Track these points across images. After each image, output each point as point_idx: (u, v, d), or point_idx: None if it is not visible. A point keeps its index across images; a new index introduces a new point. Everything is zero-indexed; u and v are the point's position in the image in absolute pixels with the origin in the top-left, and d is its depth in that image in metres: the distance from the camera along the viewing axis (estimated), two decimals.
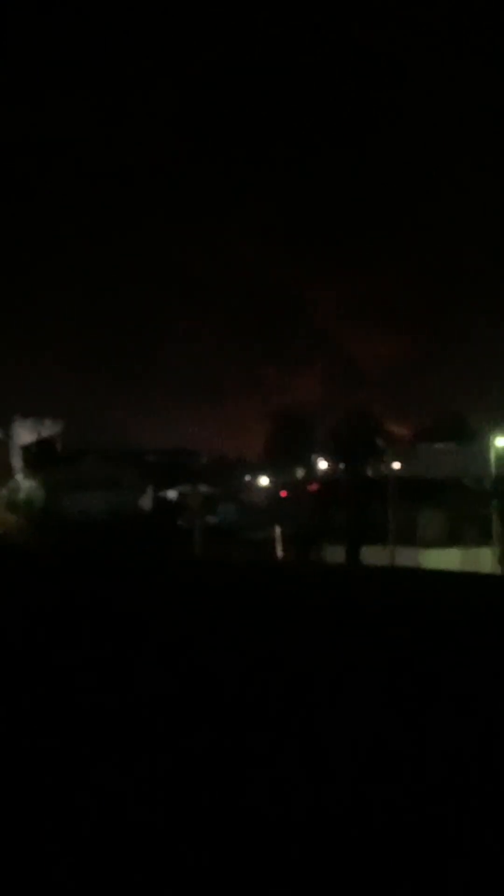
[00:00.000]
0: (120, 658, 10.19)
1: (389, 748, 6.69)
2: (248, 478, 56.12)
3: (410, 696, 8.70)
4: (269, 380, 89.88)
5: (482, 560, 41.94)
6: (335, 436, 52.61)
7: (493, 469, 45.75)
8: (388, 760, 6.33)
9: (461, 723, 7.66)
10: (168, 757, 6.10)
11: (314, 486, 51.87)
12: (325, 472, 53.81)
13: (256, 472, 56.25)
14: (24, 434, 52.11)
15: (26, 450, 51.46)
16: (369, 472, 48.14)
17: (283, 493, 52.84)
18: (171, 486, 52.39)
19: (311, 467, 55.96)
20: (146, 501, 49.82)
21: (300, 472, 55.70)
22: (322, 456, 55.38)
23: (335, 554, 41.15)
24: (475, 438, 49.82)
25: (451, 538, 44.56)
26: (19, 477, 50.37)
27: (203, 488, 49.93)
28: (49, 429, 53.10)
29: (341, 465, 50.72)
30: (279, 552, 45.83)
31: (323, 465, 54.82)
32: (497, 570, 40.10)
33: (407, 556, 40.73)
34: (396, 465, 49.83)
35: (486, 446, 47.18)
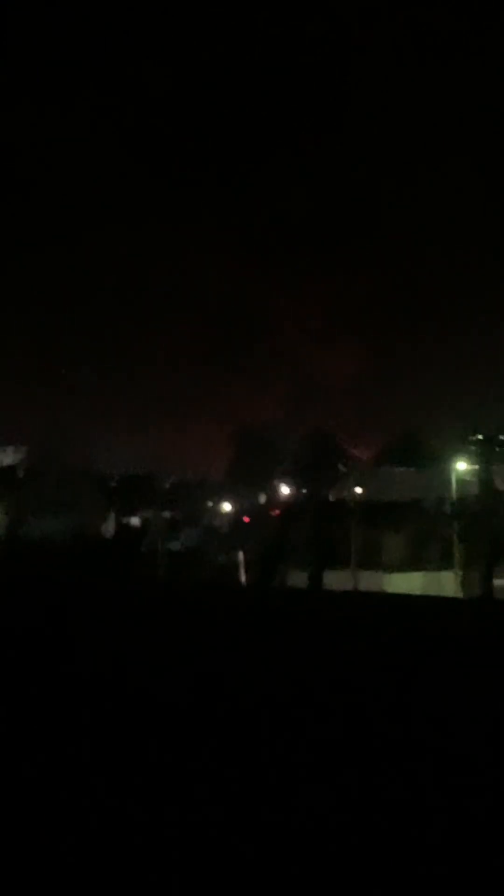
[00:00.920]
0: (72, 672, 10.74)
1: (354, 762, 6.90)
2: (210, 503, 56.01)
3: (375, 713, 9.16)
4: (231, 400, 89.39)
5: (444, 583, 42.18)
6: (297, 460, 52.76)
7: (453, 492, 45.61)
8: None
9: (426, 744, 7.93)
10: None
11: (276, 512, 51.76)
12: (287, 497, 53.70)
13: (219, 495, 56.19)
14: None
15: None
16: (331, 497, 48.15)
17: (246, 519, 52.69)
18: (132, 511, 52.26)
19: (274, 491, 55.87)
20: (107, 527, 49.74)
21: (262, 497, 55.61)
22: (284, 481, 55.36)
23: (298, 579, 40.83)
24: (436, 462, 50.09)
25: (413, 561, 44.58)
26: None
27: (165, 514, 50.09)
28: (11, 456, 52.97)
29: (303, 490, 50.73)
30: (242, 577, 45.52)
31: (285, 490, 54.77)
32: (459, 593, 39.98)
33: (370, 580, 40.69)
34: (358, 490, 49.93)
35: (447, 470, 47.04)
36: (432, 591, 38.82)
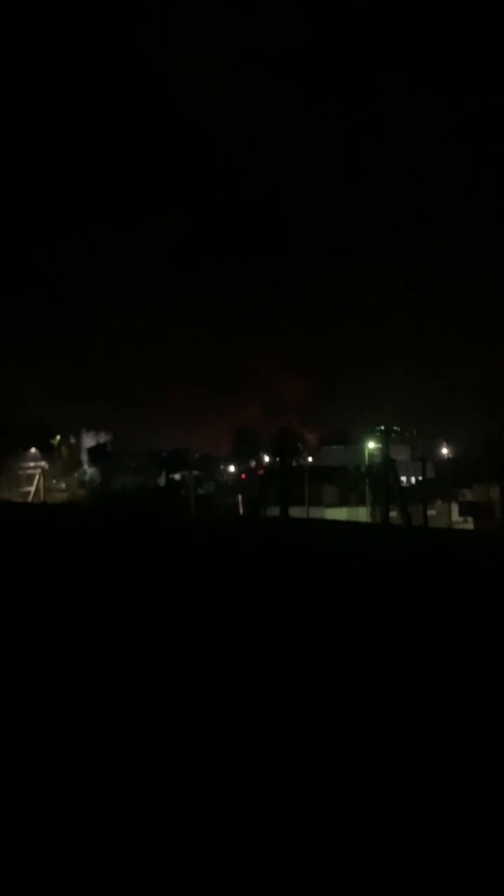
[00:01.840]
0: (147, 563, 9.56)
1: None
2: (221, 466, 56.65)
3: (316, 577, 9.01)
4: (234, 409, 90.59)
5: (360, 514, 42.44)
6: (273, 442, 53.54)
7: (366, 461, 45.94)
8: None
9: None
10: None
11: (261, 472, 51.97)
12: (267, 463, 54.33)
13: (227, 463, 56.77)
14: (88, 441, 52.40)
15: (90, 450, 51.68)
16: (294, 463, 48.81)
17: (243, 476, 53.16)
18: (175, 471, 52.70)
19: (259, 460, 56.35)
20: (161, 481, 50.25)
21: (252, 463, 56.21)
22: (265, 453, 55.94)
23: (274, 511, 40.34)
24: (355, 443, 50.81)
25: (341, 501, 45.42)
26: (85, 467, 50.44)
27: (195, 473, 50.71)
28: (103, 437, 53.40)
29: (277, 459, 51.61)
30: (241, 511, 46.12)
31: (266, 459, 55.34)
32: (368, 519, 40.37)
33: (316, 512, 40.79)
34: (310, 459, 50.69)
35: (362, 447, 47.53)
36: (352, 518, 39.38)
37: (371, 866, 2.31)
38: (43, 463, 44.87)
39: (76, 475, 48.30)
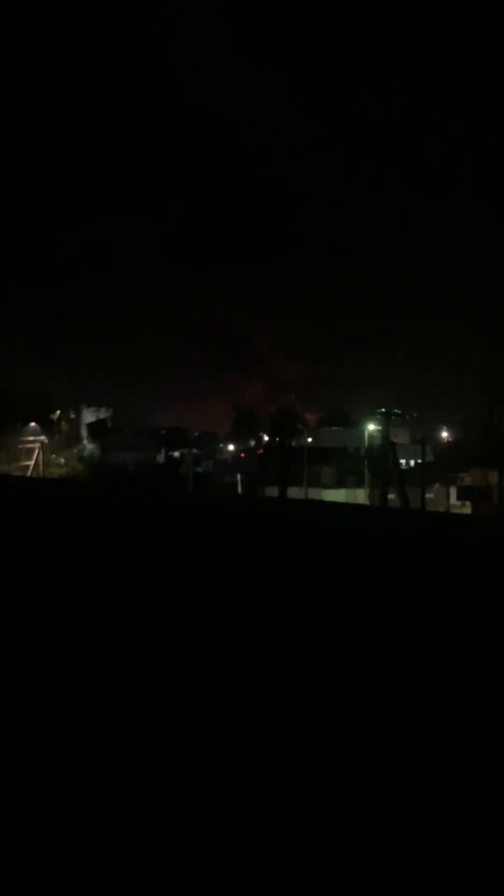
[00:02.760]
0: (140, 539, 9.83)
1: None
2: (221, 445, 56.71)
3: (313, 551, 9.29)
4: (234, 388, 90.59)
5: (358, 496, 42.52)
6: (272, 421, 53.43)
7: (365, 443, 45.94)
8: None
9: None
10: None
11: (260, 451, 51.72)
12: (266, 443, 54.39)
13: (226, 441, 56.85)
14: (88, 416, 52.45)
15: (89, 426, 51.74)
16: (293, 444, 48.75)
17: (242, 455, 53.14)
18: (174, 448, 52.74)
19: (258, 440, 56.30)
20: (160, 458, 50.33)
21: (252, 442, 56.22)
22: (264, 433, 55.93)
23: (272, 491, 40.51)
24: (355, 424, 50.78)
25: (340, 483, 45.47)
26: (85, 442, 50.48)
27: (194, 451, 50.63)
28: (103, 413, 53.48)
29: (276, 439, 51.61)
30: (239, 489, 46.11)
31: (265, 438, 55.30)
32: (366, 501, 40.53)
33: (314, 493, 40.67)
34: (309, 440, 50.41)
35: (361, 429, 47.46)
36: (350, 500, 39.90)
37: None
38: (42, 437, 44.99)
39: (75, 450, 48.27)
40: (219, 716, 3.30)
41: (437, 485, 44.08)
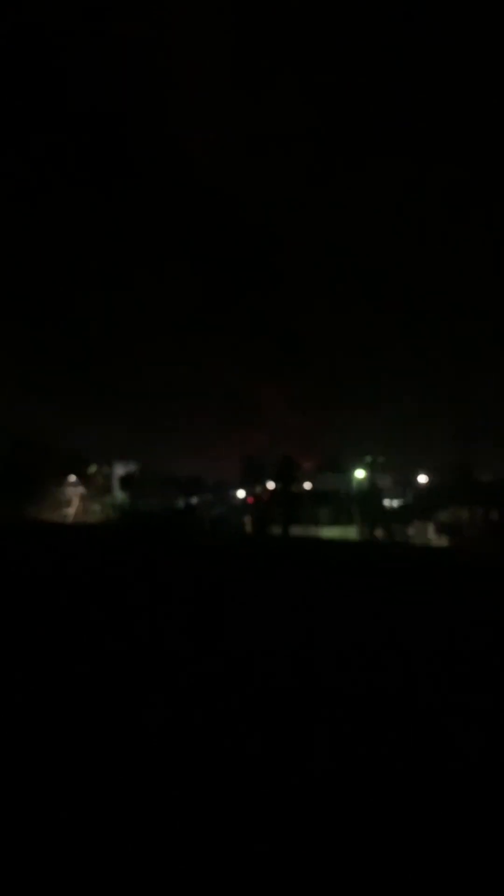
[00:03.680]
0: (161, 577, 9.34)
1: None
2: (231, 491, 56.72)
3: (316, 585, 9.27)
4: (241, 440, 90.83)
5: (350, 533, 42.87)
6: (276, 470, 53.52)
7: (354, 487, 46.70)
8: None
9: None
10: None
11: (266, 496, 52.75)
12: (271, 489, 54.44)
13: (236, 488, 56.85)
14: (119, 469, 52.63)
15: (120, 478, 51.97)
16: (293, 489, 48.83)
17: (250, 500, 53.55)
18: (191, 495, 52.89)
19: (264, 486, 56.30)
20: (180, 503, 50.48)
21: (258, 488, 56.37)
22: (269, 480, 55.98)
23: (276, 530, 40.75)
24: (346, 470, 50.93)
25: (334, 521, 45.73)
26: (116, 492, 50.71)
27: (209, 497, 51.72)
28: (131, 467, 53.59)
29: (279, 485, 51.68)
30: (248, 529, 46.59)
31: (270, 485, 55.30)
32: (357, 537, 40.00)
33: (313, 531, 40.83)
34: (307, 485, 50.98)
35: (351, 475, 48.61)
36: (343, 536, 40.65)
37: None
38: (81, 488, 45.57)
39: (108, 499, 48.65)
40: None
41: (417, 522, 44.13)
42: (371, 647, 4.72)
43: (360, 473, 46.92)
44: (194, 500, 52.16)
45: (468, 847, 2.17)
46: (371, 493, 39.95)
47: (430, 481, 52.58)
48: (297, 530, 40.55)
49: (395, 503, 48.20)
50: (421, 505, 46.40)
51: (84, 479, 47.83)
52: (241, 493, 55.57)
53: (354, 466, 48.48)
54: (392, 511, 44.49)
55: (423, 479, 53.15)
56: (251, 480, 58.25)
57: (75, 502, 43.86)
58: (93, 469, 49.96)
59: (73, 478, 46.53)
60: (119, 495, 49.80)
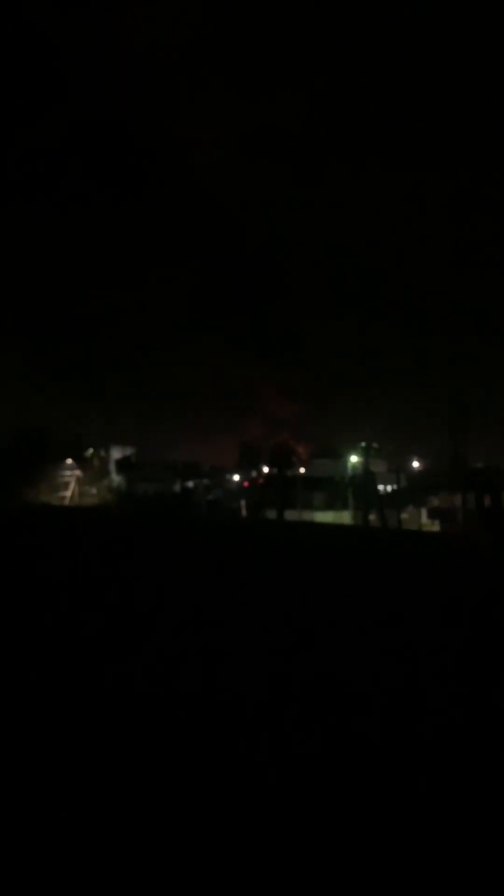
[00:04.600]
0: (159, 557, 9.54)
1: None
2: (227, 476, 56.80)
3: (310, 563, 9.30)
4: (238, 427, 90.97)
5: (344, 517, 42.33)
6: (271, 455, 53.44)
7: (349, 472, 46.46)
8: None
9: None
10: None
11: (261, 480, 51.93)
12: (267, 473, 54.40)
13: (232, 473, 56.91)
14: (116, 453, 52.42)
15: (117, 462, 51.83)
16: (288, 474, 48.84)
17: (246, 484, 53.03)
18: (188, 479, 52.93)
19: (259, 471, 56.36)
20: (177, 487, 50.48)
21: (254, 473, 56.40)
22: (265, 465, 56.07)
23: (271, 514, 39.99)
24: (341, 456, 50.98)
25: (328, 506, 45.75)
26: (113, 475, 50.65)
27: (205, 481, 51.55)
28: (128, 451, 53.42)
29: (274, 470, 51.65)
30: (244, 514, 46.07)
31: (265, 469, 55.37)
32: (351, 522, 39.43)
33: (307, 516, 40.17)
34: (302, 470, 50.02)
35: (346, 460, 48.22)
36: (337, 520, 39.69)
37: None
38: (77, 471, 45.50)
39: (105, 482, 48.62)
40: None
41: (410, 507, 44.43)
42: (371, 637, 4.67)
43: (353, 459, 46.33)
44: (191, 484, 51.56)
45: (468, 847, 2.11)
46: (365, 478, 40.15)
47: (423, 467, 52.83)
48: (291, 515, 39.42)
49: (389, 488, 48.50)
50: (414, 491, 46.77)
51: (81, 462, 48.12)
52: (236, 478, 55.48)
53: (349, 452, 47.80)
54: (385, 496, 44.80)
55: (416, 464, 53.38)
56: (247, 466, 58.52)
57: (72, 485, 43.48)
58: (89, 452, 50.03)
59: (69, 461, 46.71)
60: (116, 479, 49.14)
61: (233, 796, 2.30)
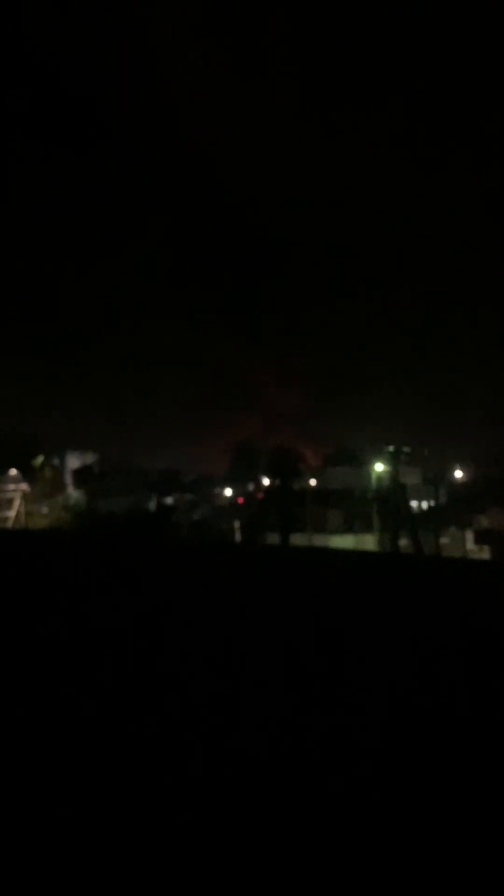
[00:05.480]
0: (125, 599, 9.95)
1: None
2: (217, 490, 56.15)
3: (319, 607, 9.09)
4: (229, 425, 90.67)
5: (367, 543, 41.68)
6: (271, 462, 52.84)
7: (373, 484, 45.39)
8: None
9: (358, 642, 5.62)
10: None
11: (260, 495, 51.07)
12: (267, 486, 53.93)
13: (223, 485, 56.21)
14: (73, 462, 51.72)
15: (74, 472, 50.97)
16: (295, 486, 48.32)
17: (240, 500, 52.41)
18: (167, 494, 52.06)
19: (257, 482, 55.94)
20: (152, 504, 49.49)
21: (251, 486, 55.76)
22: (264, 475, 55.51)
23: (272, 538, 40.12)
24: (362, 464, 50.34)
25: (347, 528, 44.85)
26: (69, 489, 49.72)
27: (188, 496, 49.95)
28: (89, 458, 52.76)
29: (277, 481, 51.01)
30: (238, 538, 44.96)
31: (265, 481, 54.87)
32: (376, 548, 39.24)
33: (319, 540, 39.62)
34: (312, 482, 50.06)
35: (368, 469, 46.67)
36: (359, 547, 38.54)
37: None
38: (24, 485, 44.21)
39: (60, 498, 47.46)
40: None
41: (452, 528, 43.30)
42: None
43: (379, 467, 45.43)
44: (169, 499, 50.06)
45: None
46: (394, 492, 39.33)
47: (468, 477, 51.74)
48: (299, 539, 39.61)
49: (424, 505, 47.47)
50: (457, 508, 45.71)
51: (28, 473, 46.50)
52: (228, 492, 54.49)
53: (372, 459, 46.49)
54: (420, 515, 43.88)
55: (458, 474, 52.27)
56: (241, 475, 57.59)
57: (16, 503, 40.98)
58: (38, 461, 48.55)
59: (14, 472, 44.91)
60: (73, 494, 47.07)
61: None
